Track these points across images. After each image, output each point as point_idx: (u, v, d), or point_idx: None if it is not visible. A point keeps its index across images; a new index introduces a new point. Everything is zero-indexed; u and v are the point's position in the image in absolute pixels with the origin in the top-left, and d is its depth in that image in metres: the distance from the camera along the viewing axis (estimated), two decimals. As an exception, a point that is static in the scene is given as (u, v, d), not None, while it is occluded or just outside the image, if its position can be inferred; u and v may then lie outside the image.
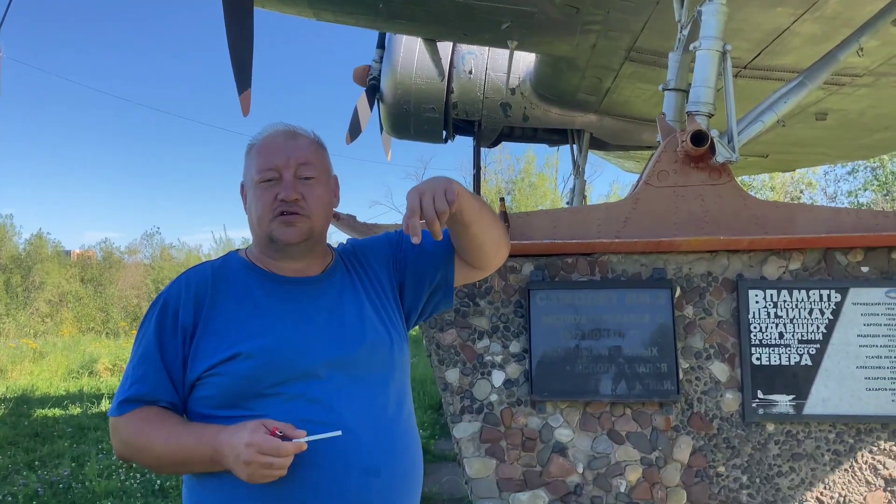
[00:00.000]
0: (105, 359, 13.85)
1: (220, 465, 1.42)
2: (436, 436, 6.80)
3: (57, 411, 9.05)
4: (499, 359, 3.11)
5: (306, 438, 1.39)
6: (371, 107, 7.31)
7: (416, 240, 1.49)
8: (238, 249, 1.74)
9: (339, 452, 1.48)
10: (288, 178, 1.61)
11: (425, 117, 7.21)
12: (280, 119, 1.73)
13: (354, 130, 7.25)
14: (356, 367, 1.58)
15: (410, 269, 1.80)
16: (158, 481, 5.28)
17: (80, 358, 14.11)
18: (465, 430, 3.08)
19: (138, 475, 5.48)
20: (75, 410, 9.10)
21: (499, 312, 3.13)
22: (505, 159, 23.61)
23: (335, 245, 1.83)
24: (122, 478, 5.38)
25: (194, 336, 1.54)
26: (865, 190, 20.33)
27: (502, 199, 3.55)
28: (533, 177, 23.10)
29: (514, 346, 3.11)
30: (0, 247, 23.30)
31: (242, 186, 1.70)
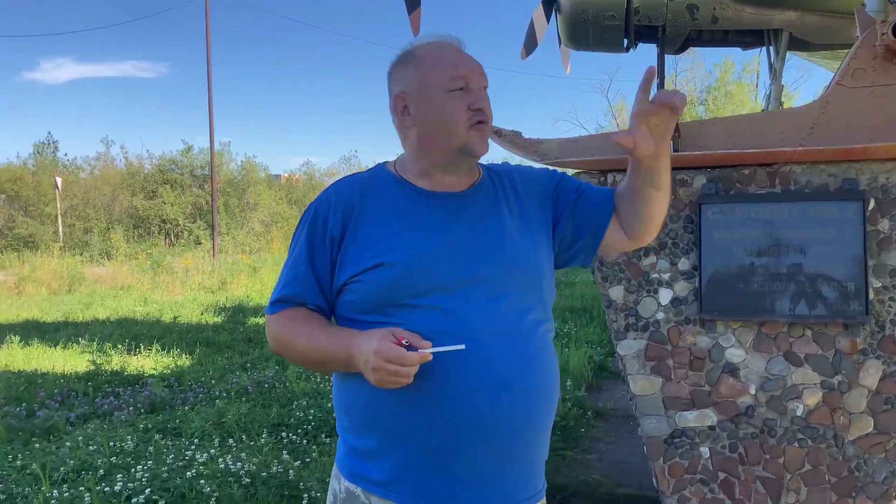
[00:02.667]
0: (309, 274, 14.99)
1: (353, 367, 1.50)
2: (612, 354, 6.77)
3: (266, 320, 10.00)
4: (666, 276, 3.00)
5: (431, 350, 1.44)
6: (547, 18, 7.09)
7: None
8: (386, 162, 1.76)
9: (471, 366, 1.51)
10: (475, 88, 1.61)
11: (605, 25, 6.87)
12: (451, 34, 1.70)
13: (530, 44, 7.09)
14: (494, 283, 1.58)
15: (569, 211, 1.76)
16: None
17: (287, 272, 15.35)
18: (629, 347, 3.03)
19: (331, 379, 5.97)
20: (282, 320, 10.00)
21: (667, 228, 3.00)
22: (697, 67, 22.11)
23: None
24: (318, 380, 5.89)
25: (342, 244, 1.60)
26: None
27: (672, 108, 3.34)
28: (729, 85, 21.49)
29: (683, 264, 2.98)
30: (219, 172, 25.59)
31: (401, 97, 1.64)
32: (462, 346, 1.46)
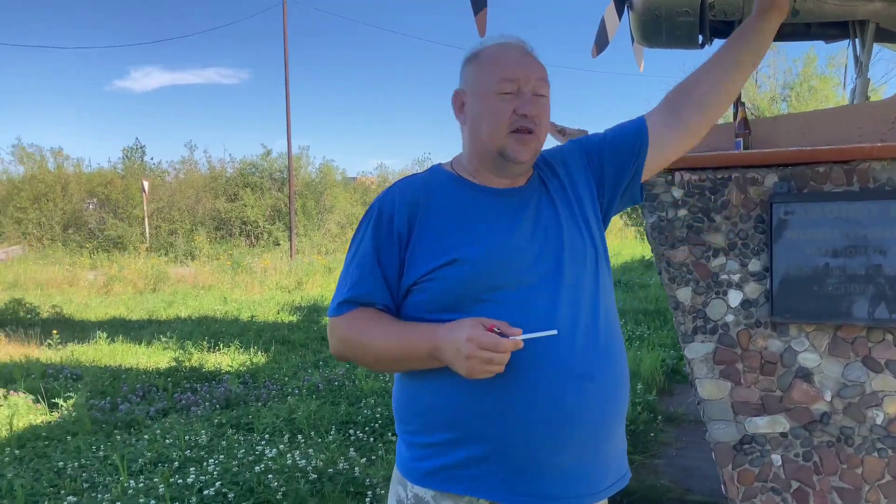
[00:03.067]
0: (382, 274, 15.20)
1: (438, 360, 1.49)
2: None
3: (340, 319, 10.19)
4: (736, 277, 2.91)
5: (523, 336, 1.42)
6: (619, 16, 6.97)
7: None
8: (441, 164, 1.77)
9: (556, 357, 1.51)
10: (527, 93, 1.59)
11: (679, 22, 6.69)
12: (517, 34, 1.70)
13: (601, 43, 6.99)
14: (564, 275, 1.58)
15: (608, 164, 1.76)
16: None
17: (361, 273, 15.62)
18: (697, 350, 2.95)
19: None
20: (354, 319, 10.17)
21: (737, 228, 2.91)
22: (780, 62, 21.33)
23: None
24: (386, 379, 5.95)
25: (409, 242, 1.60)
26: None
27: (742, 105, 3.24)
28: (813, 80, 20.64)
29: (754, 265, 2.89)
30: (297, 175, 26.20)
31: (459, 94, 1.67)
32: (555, 332, 1.45)
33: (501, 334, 1.41)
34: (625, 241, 23.24)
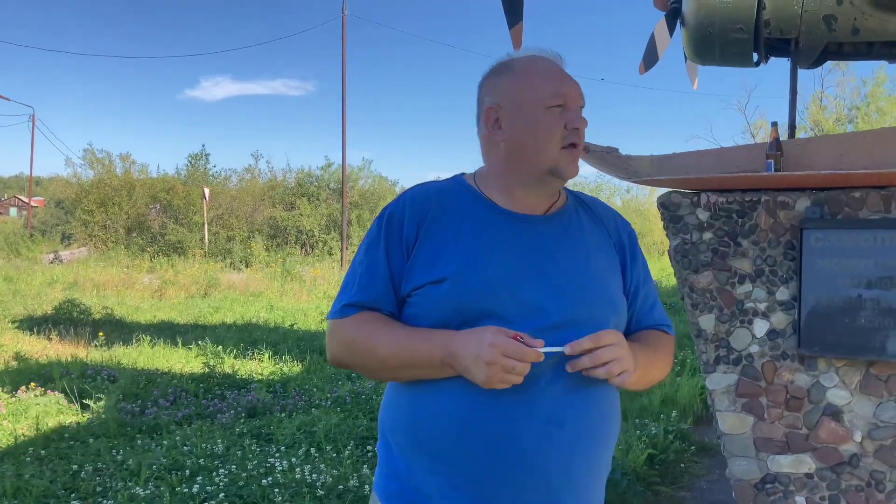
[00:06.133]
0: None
1: (451, 368, 1.41)
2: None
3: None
4: (762, 306, 2.74)
5: (543, 349, 1.36)
6: (671, 32, 6.79)
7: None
8: (464, 174, 1.68)
9: (522, 398, 1.41)
10: (573, 107, 1.53)
11: (732, 38, 6.43)
12: (554, 48, 1.62)
13: (650, 59, 6.80)
14: (555, 314, 1.47)
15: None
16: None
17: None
18: (718, 381, 2.79)
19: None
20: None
21: (764, 254, 2.75)
22: (848, 82, 20.58)
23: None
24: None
25: (412, 252, 1.52)
26: None
27: (774, 124, 3.07)
28: (882, 101, 19.86)
29: (782, 293, 2.72)
30: (353, 186, 26.46)
31: (493, 109, 1.57)
32: (563, 349, 1.39)
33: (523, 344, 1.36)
34: (680, 262, 22.69)
